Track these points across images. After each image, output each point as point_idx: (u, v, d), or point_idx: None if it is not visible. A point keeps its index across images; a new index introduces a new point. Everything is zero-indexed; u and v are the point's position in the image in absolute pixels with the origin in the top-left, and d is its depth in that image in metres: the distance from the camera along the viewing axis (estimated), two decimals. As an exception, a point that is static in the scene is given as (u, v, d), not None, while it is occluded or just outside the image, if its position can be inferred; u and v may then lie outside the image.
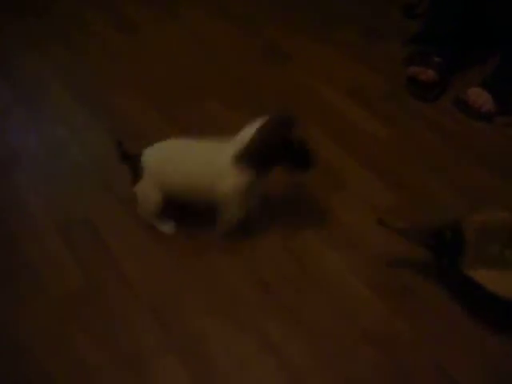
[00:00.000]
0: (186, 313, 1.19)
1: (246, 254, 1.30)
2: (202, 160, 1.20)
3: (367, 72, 1.77)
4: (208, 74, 1.75)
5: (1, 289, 1.24)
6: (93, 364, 1.11)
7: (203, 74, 1.77)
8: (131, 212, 1.38)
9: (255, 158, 1.14)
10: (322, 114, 1.66)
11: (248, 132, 1.14)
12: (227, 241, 1.29)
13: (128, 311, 1.19)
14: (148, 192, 1.24)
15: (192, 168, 1.20)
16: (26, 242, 1.33)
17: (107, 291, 1.23)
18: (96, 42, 1.92)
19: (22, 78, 1.83)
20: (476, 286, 1.14)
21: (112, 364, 1.11)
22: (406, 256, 1.29)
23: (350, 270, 1.27)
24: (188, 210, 1.30)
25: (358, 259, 1.30)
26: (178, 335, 1.16)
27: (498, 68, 1.65)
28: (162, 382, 1.09)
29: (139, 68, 1.82)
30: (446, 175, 1.50)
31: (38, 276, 1.25)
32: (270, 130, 1.13)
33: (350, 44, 1.94)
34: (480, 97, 1.63)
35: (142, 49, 1.89)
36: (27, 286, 1.24)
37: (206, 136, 1.19)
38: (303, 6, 2.14)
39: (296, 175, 1.21)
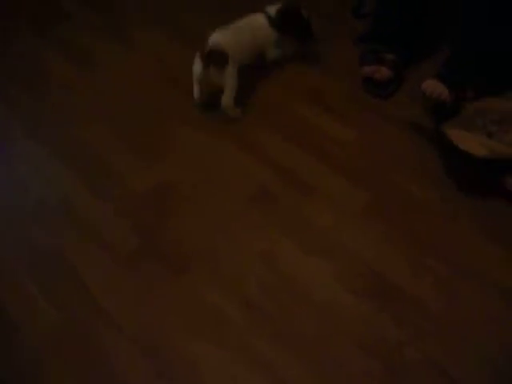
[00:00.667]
0: (170, 339, 1.18)
1: (224, 271, 1.30)
2: (253, 28, 1.71)
3: (325, 76, 1.78)
4: (173, 98, 1.73)
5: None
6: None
7: (169, 98, 1.75)
8: (102, 243, 1.37)
9: (281, 21, 1.73)
10: (285, 121, 1.66)
11: (273, 8, 1.74)
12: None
13: (109, 344, 1.18)
14: (235, 72, 1.60)
15: (251, 36, 1.69)
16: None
17: (85, 326, 1.21)
18: (55, 78, 1.87)
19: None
20: (448, 142, 1.39)
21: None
22: (386, 256, 1.30)
23: (331, 275, 1.27)
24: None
25: (337, 264, 1.30)
26: (165, 363, 1.14)
27: (449, 59, 1.67)
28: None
29: (102, 100, 1.77)
30: (411, 167, 1.52)
31: (11, 316, 1.23)
32: (291, 4, 1.74)
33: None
34: (435, 88, 1.65)
35: (102, 80, 1.83)
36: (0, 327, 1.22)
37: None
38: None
39: (302, 44, 1.81)
